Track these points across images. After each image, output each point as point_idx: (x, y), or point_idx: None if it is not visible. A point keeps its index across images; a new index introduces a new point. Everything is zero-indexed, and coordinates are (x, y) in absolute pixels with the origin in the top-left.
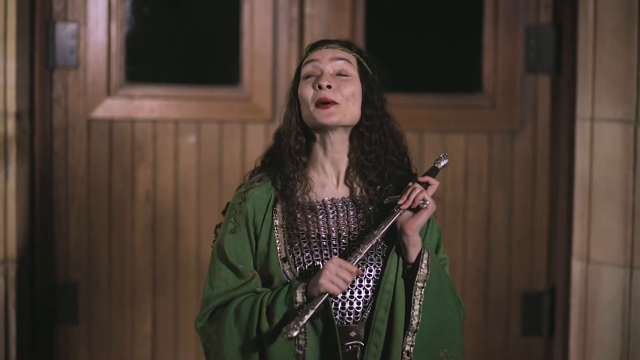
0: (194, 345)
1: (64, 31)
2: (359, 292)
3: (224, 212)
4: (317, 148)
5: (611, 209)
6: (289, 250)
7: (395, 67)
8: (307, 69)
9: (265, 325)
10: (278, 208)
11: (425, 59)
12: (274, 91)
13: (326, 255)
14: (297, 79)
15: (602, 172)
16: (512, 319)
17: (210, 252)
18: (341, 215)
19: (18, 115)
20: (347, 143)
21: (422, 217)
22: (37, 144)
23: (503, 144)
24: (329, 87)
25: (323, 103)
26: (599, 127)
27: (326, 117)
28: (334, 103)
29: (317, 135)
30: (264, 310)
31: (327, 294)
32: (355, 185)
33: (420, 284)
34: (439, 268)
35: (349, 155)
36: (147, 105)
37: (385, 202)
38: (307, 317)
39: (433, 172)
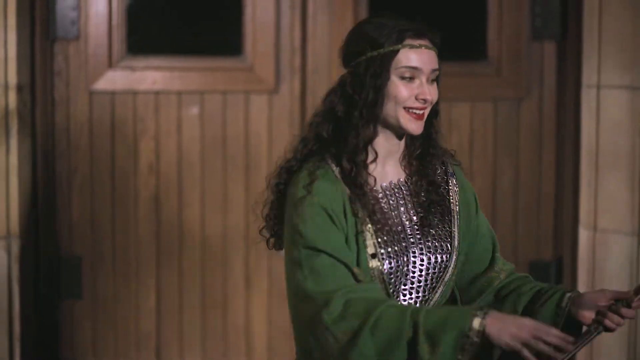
0: (199, 318)
1: (65, 2)
2: (418, 282)
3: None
4: (379, 137)
5: (618, 176)
6: (377, 245)
7: None
8: (406, 71)
9: (424, 349)
10: (354, 200)
11: (429, 26)
12: (277, 61)
13: (413, 244)
14: (386, 66)
15: (609, 139)
16: None
17: (287, 245)
18: (401, 202)
19: (19, 88)
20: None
21: None
22: (39, 117)
23: (509, 112)
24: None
25: (417, 113)
26: (605, 93)
27: (417, 129)
28: (425, 114)
29: (385, 128)
30: (421, 331)
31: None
32: (407, 172)
33: None
34: None
35: (407, 145)
36: (149, 76)
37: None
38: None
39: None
